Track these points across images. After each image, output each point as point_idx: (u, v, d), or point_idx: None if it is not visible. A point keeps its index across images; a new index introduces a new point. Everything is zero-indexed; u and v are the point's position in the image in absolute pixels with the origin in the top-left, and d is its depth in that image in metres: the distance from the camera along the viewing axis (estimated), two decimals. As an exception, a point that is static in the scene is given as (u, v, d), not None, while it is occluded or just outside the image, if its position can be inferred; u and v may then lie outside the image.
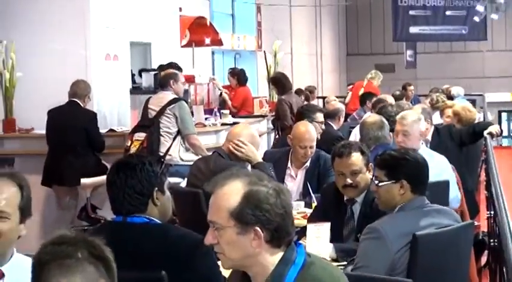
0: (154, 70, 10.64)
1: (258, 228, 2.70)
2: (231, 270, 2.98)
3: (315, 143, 6.67)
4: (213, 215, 2.72)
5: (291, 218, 2.81)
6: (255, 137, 6.11)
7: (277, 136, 11.55)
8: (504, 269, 4.59)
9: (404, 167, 4.41)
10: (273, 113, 12.76)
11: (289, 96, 11.27)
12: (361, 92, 14.84)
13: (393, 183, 4.39)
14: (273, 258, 2.73)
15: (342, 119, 10.23)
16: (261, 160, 5.94)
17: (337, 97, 18.14)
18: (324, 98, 19.30)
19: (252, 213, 2.70)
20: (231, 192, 2.72)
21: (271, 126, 12.64)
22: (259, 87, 17.98)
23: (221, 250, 2.72)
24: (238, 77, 13.74)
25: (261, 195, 2.73)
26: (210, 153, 6.70)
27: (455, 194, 6.52)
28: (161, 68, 10.01)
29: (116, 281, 2.25)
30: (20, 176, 3.06)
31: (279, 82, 11.61)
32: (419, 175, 4.41)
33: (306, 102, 12.81)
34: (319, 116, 8.15)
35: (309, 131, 6.66)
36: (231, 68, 15.48)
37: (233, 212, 2.69)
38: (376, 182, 4.48)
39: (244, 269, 2.77)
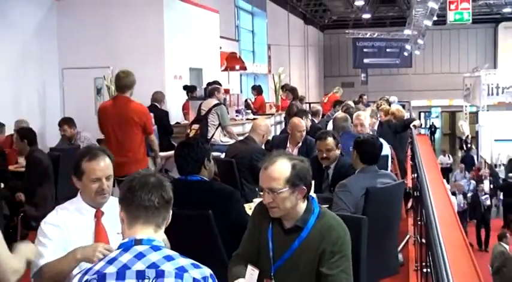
0: (193, 87, 10.62)
1: (303, 187, 2.68)
2: (255, 210, 2.94)
3: (305, 128, 6.70)
4: (272, 183, 2.64)
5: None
6: (268, 126, 6.17)
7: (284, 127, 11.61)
8: (423, 210, 4.59)
9: (358, 145, 4.45)
10: (280, 112, 12.81)
11: (296, 102, 11.28)
12: (326, 99, 15.07)
13: (352, 151, 4.49)
14: (302, 207, 2.71)
15: (320, 116, 10.27)
16: None
17: (316, 102, 18.24)
18: (309, 103, 19.25)
19: (298, 178, 2.67)
20: (283, 165, 2.67)
21: (277, 120, 12.66)
22: (269, 96, 17.90)
23: (276, 205, 2.65)
24: (257, 90, 13.74)
25: (300, 166, 2.70)
26: (241, 138, 6.76)
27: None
28: (209, 84, 9.98)
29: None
30: (108, 151, 3.04)
31: (295, 91, 11.72)
32: (364, 152, 4.40)
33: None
34: (310, 116, 8.44)
35: (301, 121, 6.69)
36: (252, 85, 15.52)
37: (288, 179, 2.65)
38: (350, 148, 4.64)
39: (286, 215, 2.70)
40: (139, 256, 1.96)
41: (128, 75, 6.28)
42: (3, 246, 2.60)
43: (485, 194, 17.19)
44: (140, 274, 1.91)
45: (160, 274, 1.91)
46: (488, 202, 16.83)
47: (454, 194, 16.80)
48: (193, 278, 1.93)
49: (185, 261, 1.98)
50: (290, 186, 2.64)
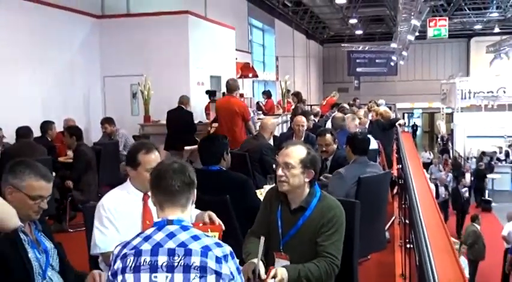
0: (214, 91, 10.55)
1: (311, 171, 2.68)
2: (266, 195, 2.90)
3: (305, 124, 6.63)
4: (290, 158, 2.66)
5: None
6: (274, 123, 6.24)
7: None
8: (407, 195, 4.56)
9: (350, 139, 4.46)
10: (286, 113, 12.76)
11: (301, 105, 11.23)
12: (324, 102, 14.92)
13: (346, 145, 4.50)
14: (307, 191, 2.69)
15: (319, 116, 10.22)
16: None
17: (316, 105, 18.14)
18: (311, 105, 19.17)
19: (310, 162, 2.68)
20: (301, 149, 2.70)
21: (284, 119, 12.61)
22: (276, 99, 17.89)
23: (287, 180, 2.65)
24: (267, 94, 13.72)
25: (313, 154, 2.73)
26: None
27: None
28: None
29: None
30: (155, 145, 3.05)
31: (299, 95, 11.68)
32: (355, 145, 4.39)
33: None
34: (312, 117, 8.38)
35: (302, 118, 6.64)
36: (263, 90, 15.48)
37: (302, 160, 2.66)
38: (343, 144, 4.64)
39: (292, 192, 2.68)
40: (171, 235, 1.94)
41: (234, 81, 7.66)
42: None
43: (465, 187, 16.89)
44: (171, 252, 1.90)
45: (188, 252, 1.90)
46: (467, 194, 16.49)
47: (437, 186, 16.52)
48: (216, 256, 1.91)
49: (209, 241, 1.96)
50: (302, 166, 2.65)
